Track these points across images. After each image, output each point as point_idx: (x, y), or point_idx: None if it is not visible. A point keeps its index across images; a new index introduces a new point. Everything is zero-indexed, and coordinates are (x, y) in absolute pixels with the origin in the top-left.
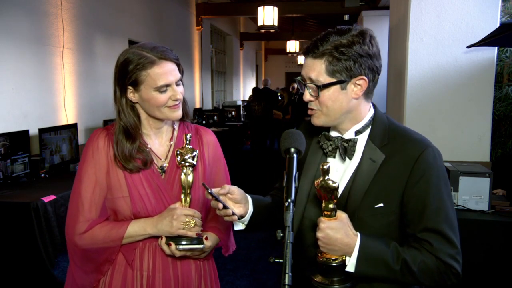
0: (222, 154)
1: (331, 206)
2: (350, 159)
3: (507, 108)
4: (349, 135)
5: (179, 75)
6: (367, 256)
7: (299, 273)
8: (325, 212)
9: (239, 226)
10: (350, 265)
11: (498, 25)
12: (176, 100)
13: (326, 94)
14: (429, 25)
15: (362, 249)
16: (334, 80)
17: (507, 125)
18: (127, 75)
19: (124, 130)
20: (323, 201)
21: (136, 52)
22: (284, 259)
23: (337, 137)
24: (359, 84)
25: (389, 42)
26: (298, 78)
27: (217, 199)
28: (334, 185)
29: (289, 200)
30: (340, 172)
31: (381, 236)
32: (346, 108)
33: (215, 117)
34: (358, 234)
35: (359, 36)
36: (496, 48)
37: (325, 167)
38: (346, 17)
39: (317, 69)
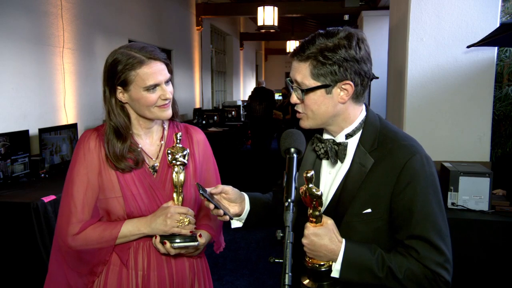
0: (211, 152)
1: (316, 213)
2: (342, 162)
3: (507, 108)
4: (340, 138)
5: (168, 75)
6: (352, 263)
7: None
8: (311, 219)
9: (236, 224)
10: (335, 271)
11: (498, 25)
12: (166, 99)
13: (312, 97)
14: (429, 25)
15: (347, 255)
16: (318, 84)
17: (507, 125)
18: (116, 75)
19: (115, 130)
20: (308, 207)
21: (124, 52)
22: (284, 259)
23: (328, 140)
24: (345, 89)
25: (389, 42)
26: (288, 79)
27: (208, 199)
28: (317, 193)
29: (289, 200)
30: (332, 175)
31: (368, 242)
32: (332, 112)
33: (215, 117)
34: (343, 240)
35: (346, 39)
36: (496, 48)
37: (308, 175)
38: (346, 17)
39: (302, 72)
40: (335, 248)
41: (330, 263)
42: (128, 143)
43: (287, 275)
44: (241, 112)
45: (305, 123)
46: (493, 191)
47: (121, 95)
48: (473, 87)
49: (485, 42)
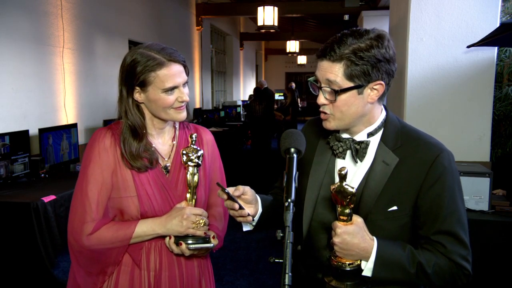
0: (218, 153)
1: (347, 211)
2: (362, 161)
3: (507, 108)
4: (361, 137)
5: (186, 77)
6: (384, 261)
7: (307, 273)
8: (341, 217)
9: (248, 227)
10: (367, 270)
11: (498, 25)
12: (183, 101)
13: (343, 98)
14: (429, 25)
15: (379, 253)
16: (352, 84)
17: (507, 125)
18: (135, 76)
19: (131, 129)
20: (339, 205)
21: (144, 53)
22: (284, 259)
23: (348, 139)
24: (375, 89)
25: None
26: (311, 79)
27: (233, 200)
28: (352, 190)
29: (289, 200)
30: (350, 174)
31: (394, 239)
32: (361, 112)
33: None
34: (375, 238)
35: (377, 40)
36: (496, 48)
37: (343, 172)
38: (346, 17)
39: (334, 72)
40: (367, 247)
41: (358, 262)
42: (144, 142)
43: (287, 275)
44: (241, 111)
45: (331, 124)
46: (493, 191)
47: (137, 95)
48: (473, 87)
49: (485, 42)
